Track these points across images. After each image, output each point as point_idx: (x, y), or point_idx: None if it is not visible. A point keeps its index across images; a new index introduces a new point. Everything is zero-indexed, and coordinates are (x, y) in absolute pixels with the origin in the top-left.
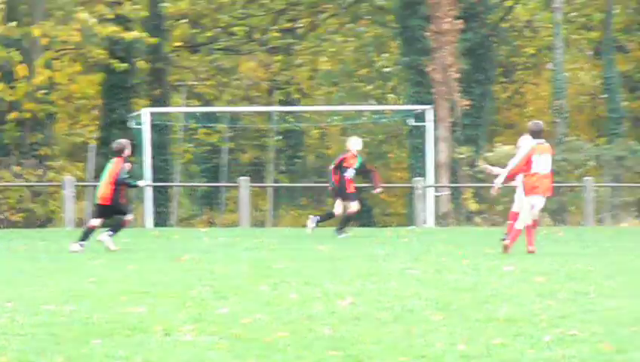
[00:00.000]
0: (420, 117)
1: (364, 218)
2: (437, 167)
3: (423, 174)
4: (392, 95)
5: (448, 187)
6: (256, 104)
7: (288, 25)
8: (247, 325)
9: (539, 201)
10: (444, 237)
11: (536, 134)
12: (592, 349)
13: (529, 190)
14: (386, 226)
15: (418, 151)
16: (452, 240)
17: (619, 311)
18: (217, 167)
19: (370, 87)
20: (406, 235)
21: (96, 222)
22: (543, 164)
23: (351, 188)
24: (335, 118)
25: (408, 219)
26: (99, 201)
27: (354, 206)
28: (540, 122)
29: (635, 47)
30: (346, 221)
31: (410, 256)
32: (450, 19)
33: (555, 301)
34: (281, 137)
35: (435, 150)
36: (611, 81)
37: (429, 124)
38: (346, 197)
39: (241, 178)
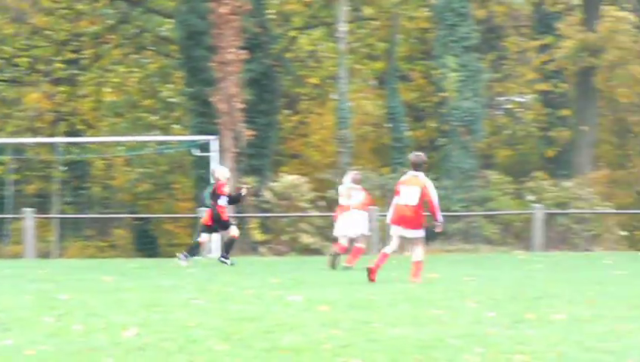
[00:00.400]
0: (204, 147)
1: (149, 248)
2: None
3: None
4: (177, 125)
5: (234, 217)
6: (41, 135)
7: (72, 56)
8: (31, 357)
9: (395, 231)
10: (228, 267)
11: (414, 166)
12: None
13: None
14: (172, 257)
15: (203, 182)
16: (237, 270)
17: (402, 340)
18: (2, 199)
19: (155, 118)
20: (191, 266)
21: None
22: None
23: (225, 216)
24: (120, 148)
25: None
26: None
27: (234, 230)
28: (420, 154)
29: (419, 76)
30: (229, 246)
31: (195, 286)
32: (234, 50)
33: (338, 330)
34: (66, 168)
35: None
36: (395, 111)
37: (213, 155)
38: (223, 225)
39: (26, 209)
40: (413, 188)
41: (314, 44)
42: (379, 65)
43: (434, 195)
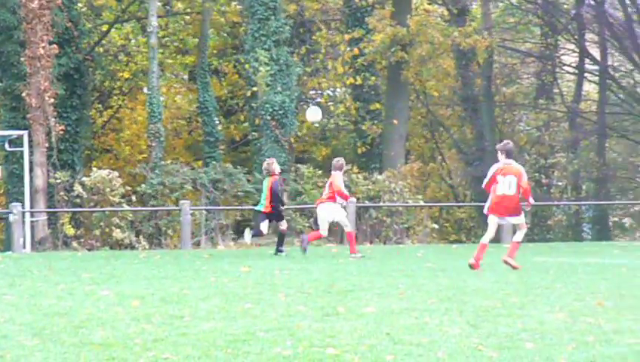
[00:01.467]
0: (16, 142)
1: None
2: (34, 192)
3: (20, 199)
4: None
5: (45, 212)
6: None
7: None
8: None
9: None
10: (40, 262)
11: (507, 154)
12: None
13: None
14: None
15: (15, 177)
16: (49, 265)
17: (214, 334)
18: None
19: None
20: (2, 261)
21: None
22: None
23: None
24: None
25: (5, 244)
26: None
27: (284, 224)
28: (510, 142)
29: (230, 70)
30: (282, 239)
31: (5, 281)
32: (44, 45)
33: (150, 324)
34: None
35: (31, 175)
36: (206, 105)
37: (25, 149)
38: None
39: None
40: (510, 176)
41: (125, 38)
42: (190, 59)
43: (526, 179)
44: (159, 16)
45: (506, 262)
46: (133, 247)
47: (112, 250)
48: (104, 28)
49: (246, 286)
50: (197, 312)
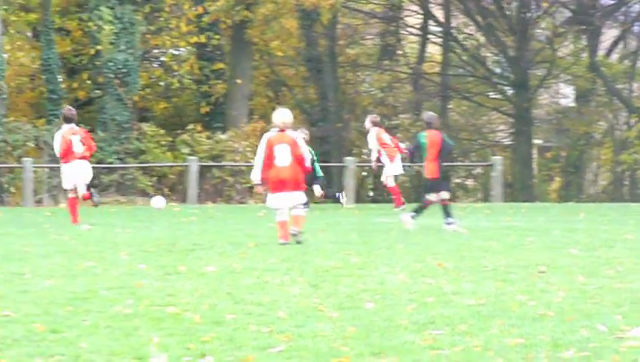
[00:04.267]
0: None
1: None
2: None
3: None
4: None
5: None
6: None
7: None
8: None
9: None
10: None
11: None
12: (26, 329)
13: None
14: None
15: None
16: None
17: (54, 291)
18: None
19: None
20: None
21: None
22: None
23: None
24: None
25: None
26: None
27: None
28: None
29: (75, 28)
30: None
31: None
32: None
33: None
34: None
35: None
36: (50, 63)
37: None
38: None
39: None
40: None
41: None
42: (34, 16)
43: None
44: None
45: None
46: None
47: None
48: None
49: (87, 244)
50: (38, 270)
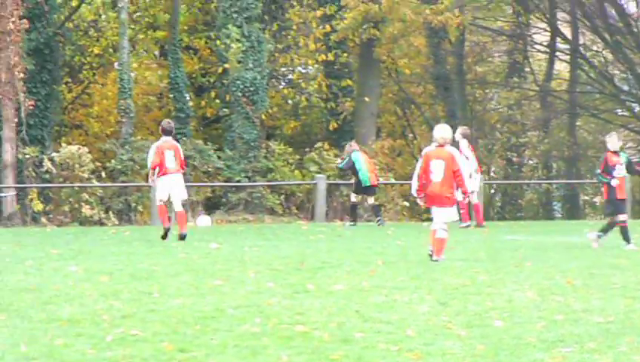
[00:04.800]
0: None
1: None
2: (2, 167)
3: None
4: None
5: (14, 187)
6: None
7: None
8: None
9: None
10: (8, 238)
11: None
12: (154, 348)
13: None
14: None
15: None
16: (17, 241)
17: (183, 310)
18: None
19: None
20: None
21: None
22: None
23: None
24: None
25: None
26: None
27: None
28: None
29: (202, 47)
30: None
31: None
32: (14, 19)
33: (118, 301)
34: None
35: (0, 150)
36: (177, 81)
37: None
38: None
39: None
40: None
41: (96, 13)
42: (161, 35)
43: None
44: None
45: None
46: (102, 223)
47: (82, 226)
48: (74, 3)
49: (215, 262)
50: (166, 289)
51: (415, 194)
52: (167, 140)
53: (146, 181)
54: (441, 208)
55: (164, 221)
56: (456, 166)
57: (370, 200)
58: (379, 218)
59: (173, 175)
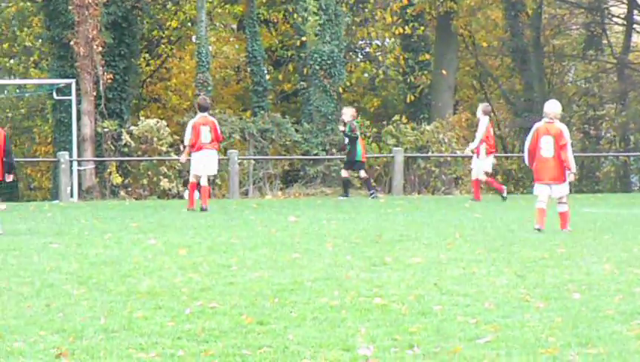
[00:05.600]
0: (63, 91)
1: (7, 192)
2: (81, 140)
3: (68, 148)
4: (35, 69)
5: (93, 161)
6: None
7: None
8: None
9: None
10: (87, 211)
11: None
12: (233, 321)
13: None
14: (31, 201)
15: (63, 125)
16: (96, 214)
17: (261, 283)
18: None
19: (13, 62)
20: (50, 210)
21: None
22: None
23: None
24: None
25: (53, 193)
26: None
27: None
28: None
29: (280, 20)
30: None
31: (52, 230)
32: None
33: (196, 274)
34: None
35: (79, 124)
36: (255, 55)
37: (72, 98)
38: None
39: None
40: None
41: None
42: (239, 9)
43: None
44: None
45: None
46: (180, 197)
47: (160, 199)
48: None
49: (294, 235)
50: (244, 261)
51: (530, 166)
52: (202, 116)
53: (224, 154)
54: (554, 184)
55: (191, 200)
56: (564, 140)
57: (362, 173)
58: (372, 191)
59: (208, 150)
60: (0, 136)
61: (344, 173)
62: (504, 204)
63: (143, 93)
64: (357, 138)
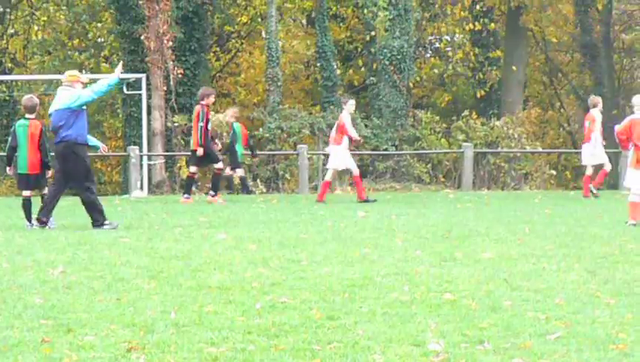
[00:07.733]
0: (134, 85)
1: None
2: (152, 135)
3: (138, 143)
4: (105, 64)
5: (163, 155)
6: None
7: None
8: None
9: None
10: (157, 206)
11: None
12: (303, 316)
13: None
14: (101, 195)
15: (133, 120)
16: (166, 209)
17: (331, 278)
18: None
19: (83, 57)
20: (120, 204)
21: None
22: None
23: None
24: (47, 87)
25: (123, 187)
26: None
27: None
28: None
29: (349, 15)
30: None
31: (123, 224)
32: None
33: (266, 268)
34: None
35: (149, 118)
36: (325, 50)
37: (143, 93)
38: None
39: None
40: None
41: None
42: (309, 3)
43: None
44: None
45: None
46: (250, 191)
47: (230, 193)
48: None
49: (363, 231)
50: (314, 256)
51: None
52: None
53: (294, 149)
54: None
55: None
56: None
57: (240, 171)
58: (247, 190)
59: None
60: (36, 129)
61: (239, 172)
62: (574, 200)
63: (213, 88)
64: (234, 138)
